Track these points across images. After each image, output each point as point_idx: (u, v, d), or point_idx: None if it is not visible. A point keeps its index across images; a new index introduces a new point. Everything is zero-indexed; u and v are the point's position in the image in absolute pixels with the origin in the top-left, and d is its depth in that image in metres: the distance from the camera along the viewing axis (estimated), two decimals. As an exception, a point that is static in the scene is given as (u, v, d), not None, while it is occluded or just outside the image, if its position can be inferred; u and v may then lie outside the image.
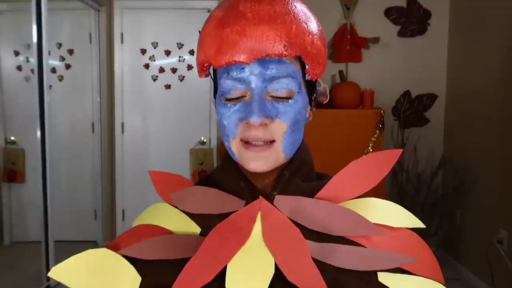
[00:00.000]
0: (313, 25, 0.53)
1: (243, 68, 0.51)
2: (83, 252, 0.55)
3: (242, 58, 0.49)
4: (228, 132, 0.54)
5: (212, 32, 0.52)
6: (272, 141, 0.53)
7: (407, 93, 3.38)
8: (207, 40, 0.52)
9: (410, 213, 0.57)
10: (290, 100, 0.53)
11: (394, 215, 0.56)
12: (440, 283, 0.54)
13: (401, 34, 3.35)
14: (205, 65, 0.54)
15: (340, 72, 3.19)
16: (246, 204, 0.56)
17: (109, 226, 3.59)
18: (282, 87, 0.52)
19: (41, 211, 2.76)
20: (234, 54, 0.49)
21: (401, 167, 3.18)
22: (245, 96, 0.53)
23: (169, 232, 0.57)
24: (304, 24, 0.52)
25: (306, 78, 0.55)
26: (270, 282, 0.50)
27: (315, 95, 0.60)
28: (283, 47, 0.49)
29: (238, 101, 0.53)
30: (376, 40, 3.30)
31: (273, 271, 0.50)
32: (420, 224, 0.56)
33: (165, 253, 0.54)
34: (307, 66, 0.54)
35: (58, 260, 2.85)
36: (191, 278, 0.51)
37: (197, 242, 0.54)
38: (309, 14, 0.54)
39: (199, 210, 0.57)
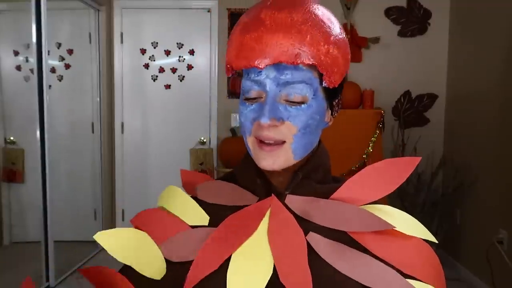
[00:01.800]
0: (332, 34, 0.54)
1: (260, 72, 0.54)
2: (126, 228, 0.61)
3: (257, 63, 0.53)
4: (245, 129, 0.58)
5: (235, 37, 0.56)
6: (283, 142, 0.55)
7: (407, 93, 3.38)
8: (231, 44, 0.57)
9: (422, 225, 0.58)
10: (303, 105, 0.55)
11: (408, 225, 0.57)
12: None
13: (401, 34, 3.35)
14: (228, 66, 0.58)
15: (340, 72, 3.19)
16: (259, 201, 0.59)
17: (109, 226, 3.59)
18: (295, 92, 0.54)
19: (41, 211, 2.76)
20: (250, 60, 0.53)
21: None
22: (261, 97, 0.56)
23: (183, 224, 0.61)
24: (321, 33, 0.53)
25: (323, 85, 0.56)
26: (270, 280, 0.53)
27: (337, 100, 0.62)
28: (295, 55, 0.52)
29: (255, 101, 0.56)
30: (376, 40, 3.30)
31: (271, 272, 0.53)
32: (432, 238, 0.57)
33: (188, 254, 0.58)
34: (323, 74, 0.55)
35: (58, 260, 2.86)
36: (201, 266, 0.55)
37: (207, 236, 0.58)
38: (332, 21, 0.56)
39: (215, 200, 0.62)
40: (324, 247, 0.54)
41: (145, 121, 3.60)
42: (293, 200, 0.58)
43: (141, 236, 0.61)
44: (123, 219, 3.61)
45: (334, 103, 0.61)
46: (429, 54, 3.35)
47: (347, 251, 0.54)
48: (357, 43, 3.29)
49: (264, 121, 0.53)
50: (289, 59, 0.52)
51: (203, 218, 0.61)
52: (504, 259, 2.38)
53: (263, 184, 0.60)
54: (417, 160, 0.57)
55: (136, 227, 0.62)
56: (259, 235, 0.56)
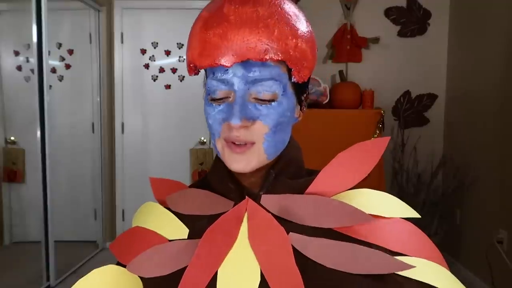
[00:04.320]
0: (299, 27, 0.53)
1: (227, 70, 0.52)
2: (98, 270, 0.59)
3: (223, 61, 0.50)
4: (213, 131, 0.55)
5: (197, 33, 0.53)
6: (253, 143, 0.53)
7: (407, 93, 3.38)
8: (193, 41, 0.53)
9: (404, 203, 0.57)
10: (273, 103, 0.53)
11: (388, 205, 0.56)
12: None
13: (401, 34, 3.35)
14: (191, 65, 0.55)
15: (340, 72, 3.19)
16: (234, 205, 0.57)
17: (109, 226, 3.59)
18: (265, 89, 0.52)
19: (41, 211, 2.77)
20: (216, 57, 0.50)
21: (401, 167, 3.18)
22: (229, 97, 0.53)
23: (161, 238, 0.59)
24: (288, 27, 0.51)
25: (293, 81, 0.55)
26: (260, 286, 0.50)
27: (305, 95, 0.60)
28: (264, 51, 0.49)
29: (223, 101, 0.53)
30: (376, 40, 3.30)
31: (259, 279, 0.51)
32: (415, 214, 0.55)
33: (162, 268, 0.56)
34: (292, 69, 0.54)
35: (58, 260, 2.86)
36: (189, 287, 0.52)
37: (189, 248, 0.55)
38: (297, 14, 0.54)
39: (190, 211, 0.59)
40: (306, 245, 0.52)
41: (146, 121, 3.61)
42: (268, 199, 0.56)
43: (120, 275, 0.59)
44: (123, 219, 3.61)
45: (303, 98, 0.59)
46: (429, 54, 3.35)
47: (331, 244, 0.52)
48: (357, 43, 3.29)
49: (235, 122, 0.50)
50: (257, 56, 0.49)
51: (182, 231, 0.58)
52: (504, 259, 2.38)
53: (236, 187, 0.58)
54: (386, 140, 0.56)
55: (116, 253, 0.61)
56: (241, 242, 0.53)
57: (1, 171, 3.36)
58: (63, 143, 3.43)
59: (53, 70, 3.47)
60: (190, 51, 0.53)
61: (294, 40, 0.51)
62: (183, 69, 3.55)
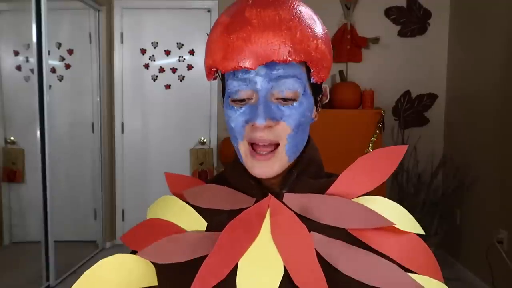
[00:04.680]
0: (318, 29, 0.54)
1: (249, 70, 0.52)
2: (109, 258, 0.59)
3: (248, 64, 0.51)
4: (235, 134, 0.55)
5: (218, 38, 0.53)
6: (277, 145, 0.54)
7: (407, 93, 3.38)
8: (214, 46, 0.54)
9: (413, 218, 0.58)
10: (295, 103, 0.54)
11: (400, 218, 0.57)
12: None
13: (401, 34, 3.35)
14: (212, 69, 0.56)
15: (340, 72, 3.19)
16: (256, 202, 0.58)
17: (109, 226, 3.59)
18: (287, 87, 0.53)
19: (41, 211, 2.76)
20: (239, 60, 0.51)
21: (401, 167, 3.18)
22: (251, 98, 0.54)
23: (179, 229, 0.59)
24: (309, 29, 0.53)
25: (311, 81, 0.56)
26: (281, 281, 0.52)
27: (320, 96, 0.61)
28: (288, 53, 0.51)
29: (244, 103, 0.54)
30: (376, 40, 3.30)
31: (282, 273, 0.52)
32: (421, 231, 0.57)
33: (178, 256, 0.56)
34: (312, 70, 0.55)
35: (58, 260, 2.86)
36: (208, 276, 0.53)
37: (207, 240, 0.56)
38: (314, 17, 0.55)
39: (210, 205, 0.60)
40: (326, 247, 0.53)
41: (145, 121, 3.61)
42: (290, 198, 0.57)
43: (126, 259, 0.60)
44: (123, 219, 3.61)
45: (318, 98, 0.60)
46: (429, 54, 3.35)
47: (349, 250, 0.53)
48: (357, 43, 3.29)
49: (260, 122, 0.51)
50: (281, 57, 0.50)
51: (200, 223, 0.59)
52: (504, 259, 2.38)
53: (257, 185, 0.59)
54: (404, 148, 0.58)
55: (129, 243, 0.61)
56: (263, 237, 0.54)
57: (0, 171, 3.35)
58: (62, 143, 3.43)
59: (53, 70, 3.47)
60: (212, 56, 0.54)
61: (315, 42, 0.53)
62: (183, 69, 3.55)
